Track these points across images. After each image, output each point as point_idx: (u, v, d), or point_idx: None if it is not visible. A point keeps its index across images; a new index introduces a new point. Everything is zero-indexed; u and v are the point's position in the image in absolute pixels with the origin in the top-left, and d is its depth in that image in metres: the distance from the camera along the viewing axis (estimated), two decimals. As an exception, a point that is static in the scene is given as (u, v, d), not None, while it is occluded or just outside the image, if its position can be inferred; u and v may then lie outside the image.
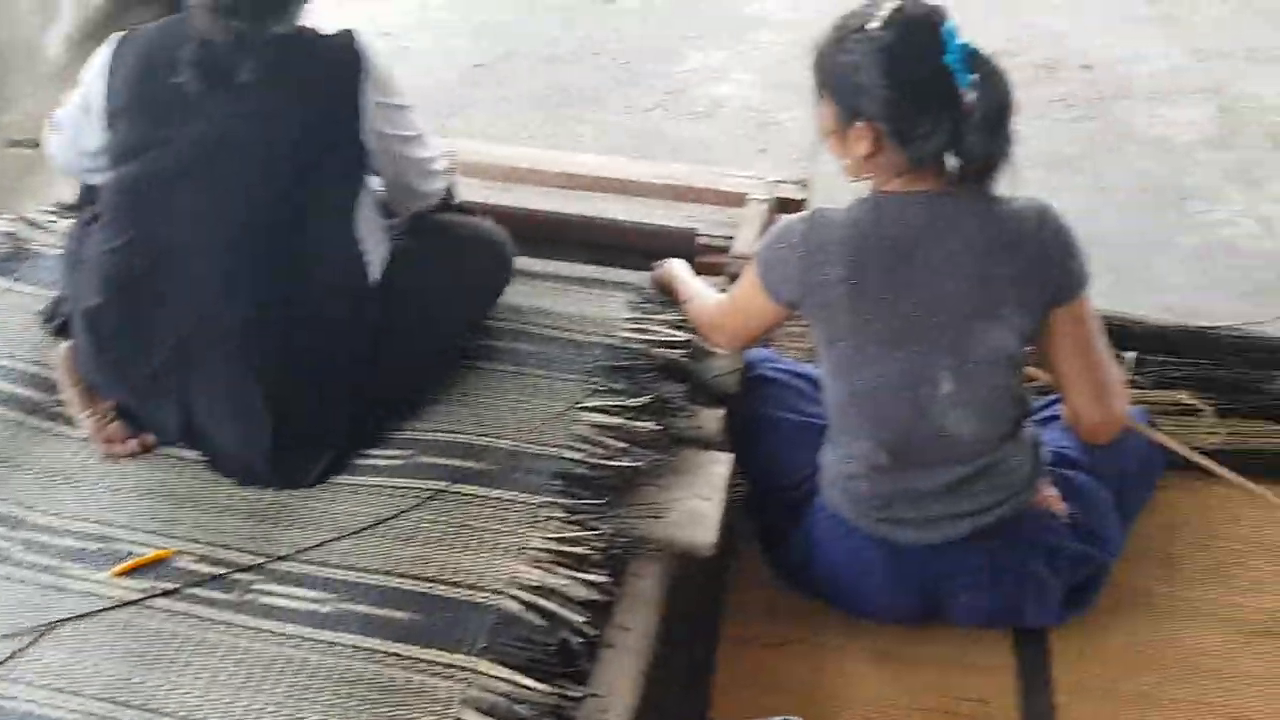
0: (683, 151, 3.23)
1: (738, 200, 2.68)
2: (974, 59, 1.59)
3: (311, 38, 1.76)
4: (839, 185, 2.99)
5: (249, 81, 1.67)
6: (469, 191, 2.55)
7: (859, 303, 1.65)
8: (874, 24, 1.59)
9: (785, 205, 2.68)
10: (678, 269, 2.15)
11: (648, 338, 2.05)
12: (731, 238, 2.46)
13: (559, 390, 1.94)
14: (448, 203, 2.07)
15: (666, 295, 2.17)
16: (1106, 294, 2.67)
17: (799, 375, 2.08)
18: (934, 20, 1.60)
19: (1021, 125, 3.30)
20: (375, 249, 1.84)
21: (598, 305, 2.15)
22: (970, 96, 1.59)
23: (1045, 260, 1.65)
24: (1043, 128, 3.36)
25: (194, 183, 1.71)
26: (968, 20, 4.01)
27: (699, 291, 2.04)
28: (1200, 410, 2.29)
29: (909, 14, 1.60)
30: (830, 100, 1.67)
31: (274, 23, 1.69)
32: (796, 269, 1.69)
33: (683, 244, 2.42)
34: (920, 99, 1.59)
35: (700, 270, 2.45)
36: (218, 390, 1.76)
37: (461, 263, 1.99)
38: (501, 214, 2.44)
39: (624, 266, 2.46)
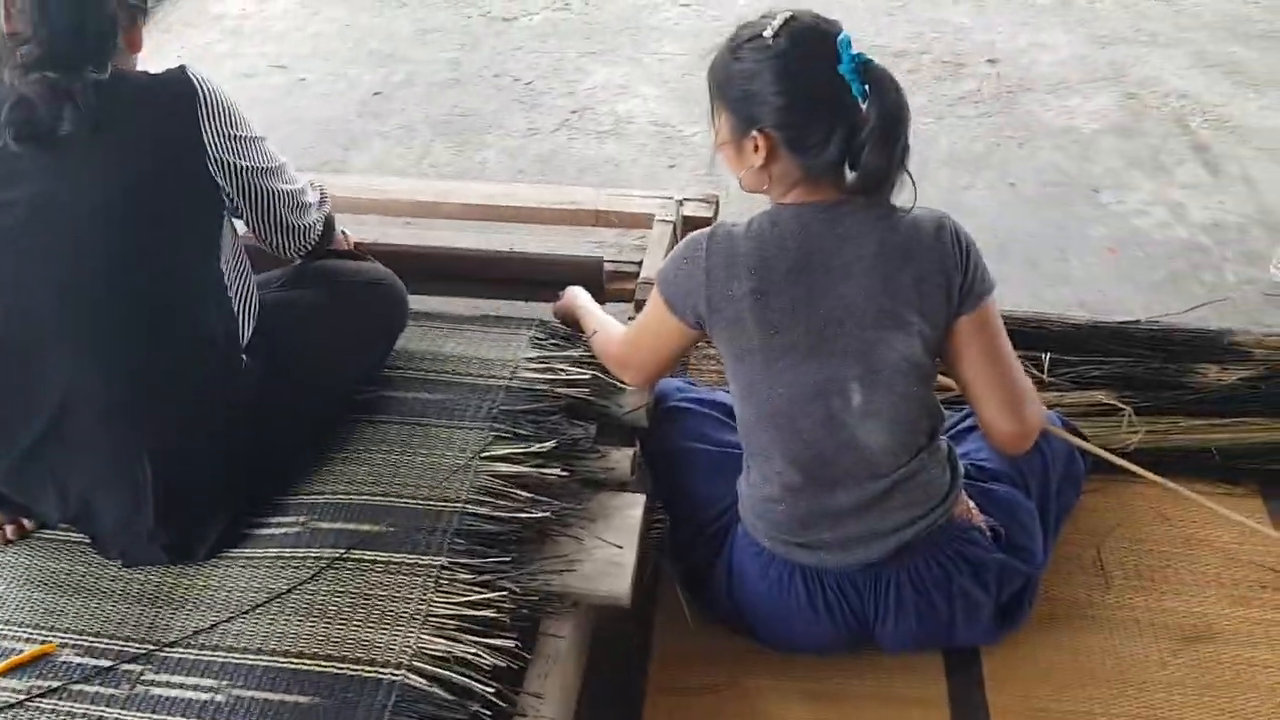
0: (590, 172, 3.16)
1: (645, 222, 2.61)
2: (868, 70, 1.55)
3: (138, 79, 1.65)
4: (746, 199, 2.96)
5: (73, 134, 1.56)
6: (368, 230, 2.47)
7: (766, 315, 1.61)
8: (768, 32, 1.56)
9: (692, 224, 2.62)
10: (581, 299, 2.08)
11: (551, 377, 1.97)
12: (640, 262, 2.40)
13: (461, 440, 1.85)
14: (329, 245, 1.97)
15: (571, 327, 2.10)
16: (1022, 290, 2.68)
17: (711, 404, 2.02)
18: (828, 30, 1.58)
19: (930, 123, 3.34)
20: (246, 298, 1.74)
21: (498, 346, 2.07)
22: (864, 107, 1.55)
23: (946, 267, 1.61)
24: (951, 125, 3.35)
25: (33, 248, 1.59)
26: (872, 19, 4.05)
27: (603, 323, 1.98)
28: (1119, 409, 2.26)
29: (803, 23, 1.58)
30: (725, 110, 1.64)
31: (91, 69, 1.57)
32: (702, 284, 1.65)
33: (591, 273, 2.36)
34: (814, 107, 1.57)
35: (610, 297, 2.39)
36: (95, 465, 1.65)
37: (350, 311, 1.90)
38: (400, 253, 2.36)
39: (532, 299, 2.41)
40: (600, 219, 2.64)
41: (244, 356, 1.72)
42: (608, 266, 2.39)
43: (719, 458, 1.91)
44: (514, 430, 1.87)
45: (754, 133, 1.59)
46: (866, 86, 1.55)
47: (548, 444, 1.84)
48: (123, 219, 1.60)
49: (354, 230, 2.44)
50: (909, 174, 1.60)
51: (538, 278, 2.36)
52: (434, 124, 3.38)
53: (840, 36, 1.55)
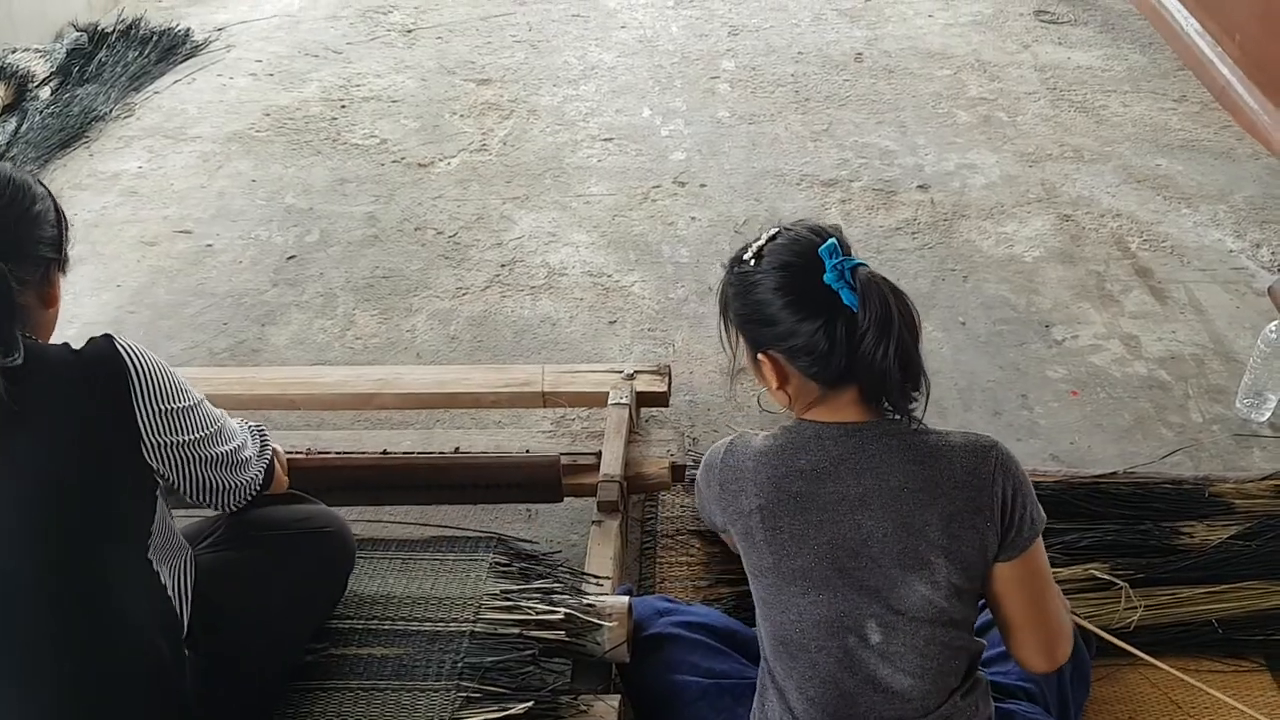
0: (527, 334, 2.99)
1: (595, 400, 2.47)
2: (855, 275, 1.43)
3: (58, 357, 1.42)
4: (697, 360, 2.83)
5: None
6: (294, 436, 2.27)
7: (774, 535, 1.49)
8: (748, 255, 1.50)
9: (646, 399, 2.48)
10: None
11: (521, 618, 1.78)
12: (598, 453, 2.24)
13: (425, 706, 1.66)
14: (269, 489, 1.77)
15: None
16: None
17: (698, 626, 1.85)
18: (810, 240, 1.47)
19: (871, 258, 3.24)
20: (182, 580, 1.52)
21: (457, 579, 1.88)
22: (859, 314, 1.42)
23: (980, 508, 1.45)
24: (892, 259, 3.27)
25: None
26: (798, 146, 3.99)
27: None
28: (1115, 584, 2.15)
29: (785, 238, 1.49)
30: (737, 334, 1.56)
31: None
32: (717, 497, 1.58)
33: (548, 472, 2.18)
34: (811, 323, 1.44)
35: (570, 493, 2.22)
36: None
37: (296, 570, 1.70)
38: (336, 467, 2.17)
39: (485, 499, 2.24)
40: (548, 400, 2.48)
41: (185, 650, 1.50)
42: (564, 460, 2.22)
43: (712, 691, 1.74)
44: (483, 688, 1.68)
45: (760, 356, 1.51)
46: (858, 293, 1.41)
47: (525, 704, 1.65)
48: (40, 527, 1.37)
49: (283, 433, 2.26)
50: (925, 379, 1.46)
51: (491, 482, 2.18)
52: (356, 289, 3.19)
53: (824, 245, 1.44)
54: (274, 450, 1.80)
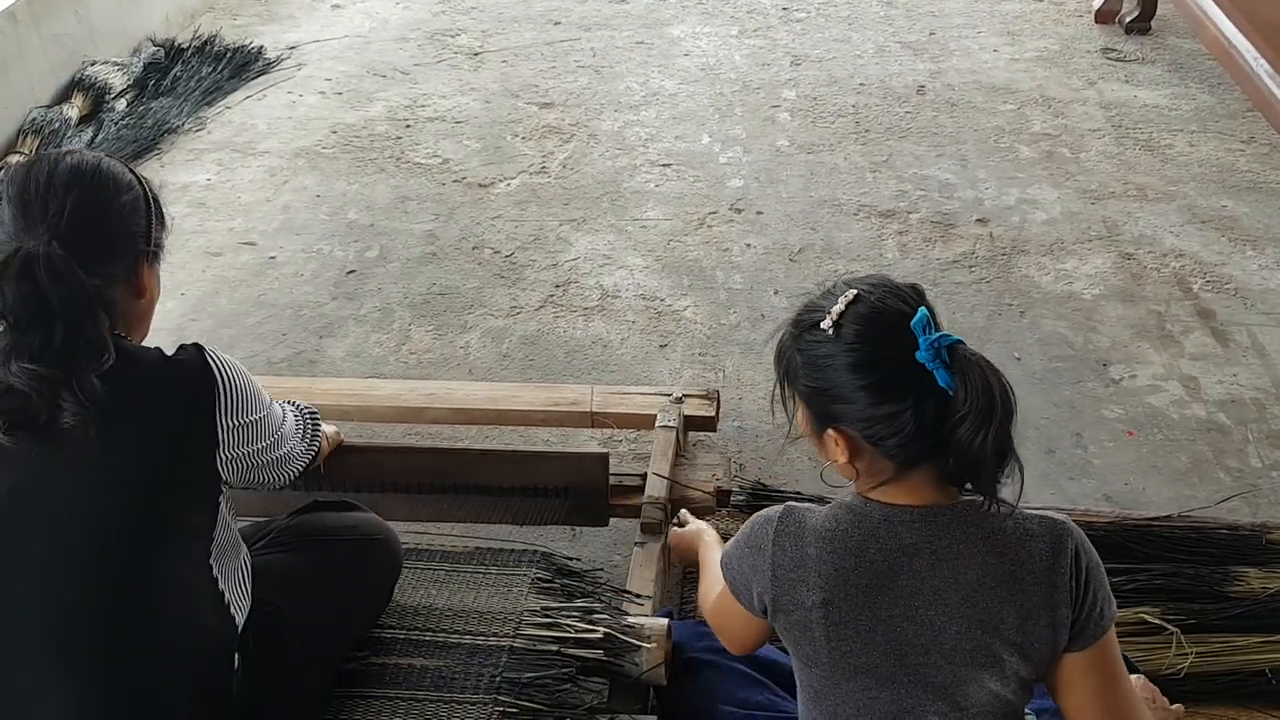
0: (579, 354, 3.01)
1: (643, 422, 2.48)
2: (951, 352, 1.32)
3: (149, 361, 1.44)
4: (748, 387, 2.84)
5: (72, 427, 1.34)
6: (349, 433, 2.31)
7: (837, 631, 1.38)
8: (826, 323, 1.34)
9: (694, 424, 2.48)
10: (702, 546, 1.90)
11: (560, 635, 1.79)
12: (644, 475, 2.25)
13: (461, 718, 1.67)
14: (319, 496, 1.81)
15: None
16: (1044, 484, 2.55)
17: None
18: (898, 310, 1.34)
19: (928, 292, 3.22)
20: (240, 587, 1.55)
21: (498, 593, 1.89)
22: (954, 394, 1.31)
23: (1056, 603, 1.35)
24: (947, 293, 3.25)
25: (9, 547, 1.37)
26: (857, 176, 3.98)
27: (708, 581, 1.74)
28: (1165, 629, 2.11)
29: (869, 306, 1.34)
30: (799, 400, 1.43)
31: (91, 366, 1.35)
32: (769, 581, 1.41)
33: (594, 468, 2.20)
34: (894, 402, 1.33)
35: (614, 514, 2.24)
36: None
37: (344, 577, 1.72)
38: (375, 463, 2.20)
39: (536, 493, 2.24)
40: (596, 421, 2.49)
41: (236, 655, 1.53)
42: (610, 481, 2.23)
43: (749, 723, 1.73)
44: (520, 703, 1.69)
45: (831, 430, 1.38)
46: (952, 371, 1.31)
47: (561, 722, 1.65)
48: (109, 526, 1.39)
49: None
50: (1018, 460, 1.34)
51: (535, 480, 2.19)
52: (412, 304, 3.23)
53: (915, 318, 1.32)
54: (323, 436, 1.85)
